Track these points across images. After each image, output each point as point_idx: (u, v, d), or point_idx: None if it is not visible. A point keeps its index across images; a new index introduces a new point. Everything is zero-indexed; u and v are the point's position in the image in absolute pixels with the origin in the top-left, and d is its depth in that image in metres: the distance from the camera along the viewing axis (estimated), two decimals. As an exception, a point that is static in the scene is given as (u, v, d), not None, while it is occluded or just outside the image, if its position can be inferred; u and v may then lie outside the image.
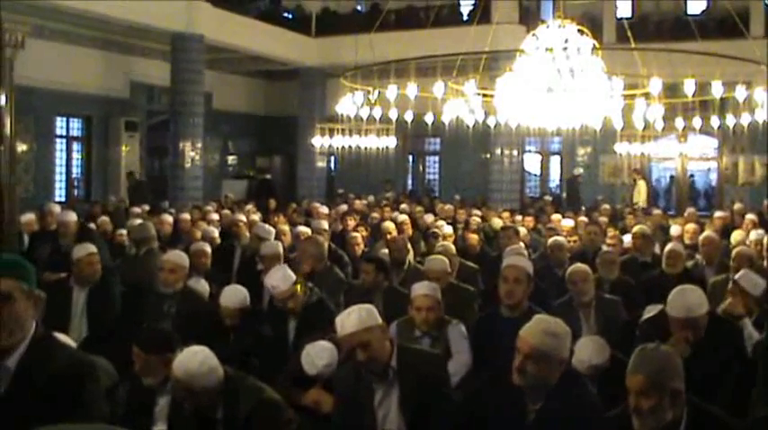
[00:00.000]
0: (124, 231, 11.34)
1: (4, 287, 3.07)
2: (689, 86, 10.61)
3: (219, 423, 4.35)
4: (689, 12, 23.12)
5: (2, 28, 9.34)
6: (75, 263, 7.37)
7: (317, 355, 5.12)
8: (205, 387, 4.28)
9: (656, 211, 16.81)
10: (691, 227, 11.69)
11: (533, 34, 10.06)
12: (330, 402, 4.94)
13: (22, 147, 18.13)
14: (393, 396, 4.58)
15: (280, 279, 6.31)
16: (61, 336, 3.92)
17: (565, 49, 9.69)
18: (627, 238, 10.90)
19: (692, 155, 24.07)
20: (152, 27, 19.15)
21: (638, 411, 3.64)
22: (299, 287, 6.38)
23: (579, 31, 9.88)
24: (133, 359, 4.84)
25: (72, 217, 10.09)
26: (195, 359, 4.30)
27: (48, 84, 18.98)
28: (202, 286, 7.83)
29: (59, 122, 21.16)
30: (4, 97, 9.63)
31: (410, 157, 27.69)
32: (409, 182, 27.68)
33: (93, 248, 7.49)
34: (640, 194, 21.96)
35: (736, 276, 6.62)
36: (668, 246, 8.61)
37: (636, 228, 10.41)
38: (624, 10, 23.22)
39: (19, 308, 3.09)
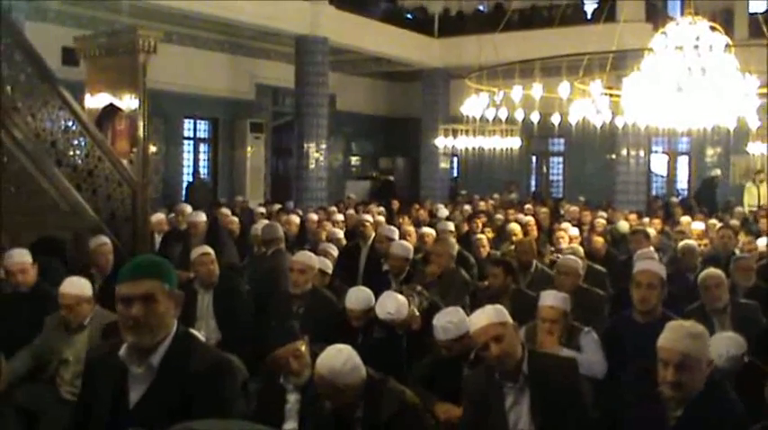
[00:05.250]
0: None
1: (147, 288, 3.15)
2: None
3: (358, 423, 4.37)
4: (827, 4, 22.30)
5: (137, 34, 9.61)
6: (191, 264, 7.50)
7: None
8: (349, 384, 4.30)
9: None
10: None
11: (663, 32, 9.88)
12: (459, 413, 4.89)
13: (151, 149, 18.54)
14: (524, 402, 4.49)
15: (396, 309, 5.91)
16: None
17: (696, 47, 9.47)
18: (761, 242, 10.56)
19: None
20: (277, 30, 19.45)
21: None
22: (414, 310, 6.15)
23: (711, 27, 9.65)
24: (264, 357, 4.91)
25: (202, 217, 10.29)
26: (339, 357, 4.33)
27: (176, 87, 19.38)
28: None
29: (187, 124, 21.60)
30: (137, 101, 9.90)
31: (533, 158, 27.40)
32: (533, 183, 27.40)
33: (206, 249, 7.59)
34: (752, 197, 21.13)
35: None
36: None
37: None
38: (758, 4, 22.52)
39: (161, 308, 3.17)
